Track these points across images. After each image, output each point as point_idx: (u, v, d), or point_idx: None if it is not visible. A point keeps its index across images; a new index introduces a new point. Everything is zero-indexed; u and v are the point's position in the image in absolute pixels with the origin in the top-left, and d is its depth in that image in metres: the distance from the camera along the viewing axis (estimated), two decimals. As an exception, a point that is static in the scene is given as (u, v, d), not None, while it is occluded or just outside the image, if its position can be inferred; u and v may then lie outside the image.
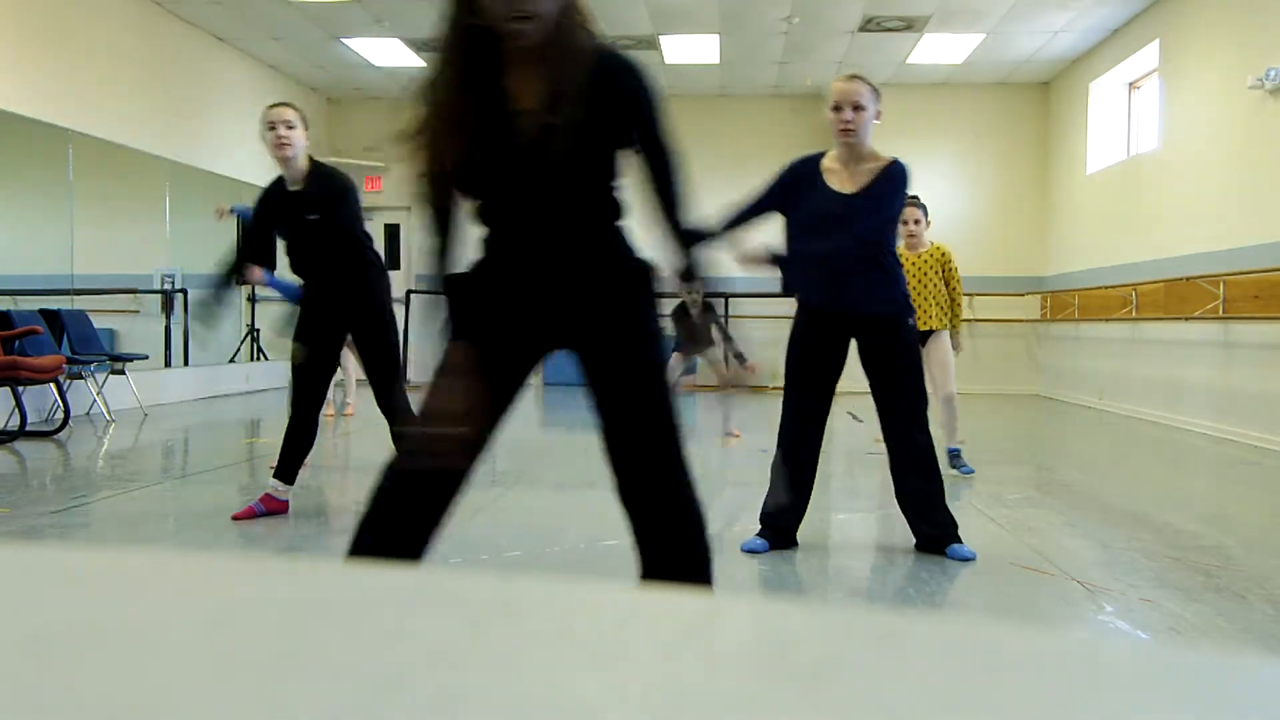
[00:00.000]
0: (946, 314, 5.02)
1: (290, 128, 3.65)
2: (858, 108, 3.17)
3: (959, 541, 3.33)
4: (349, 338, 3.99)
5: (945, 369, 4.95)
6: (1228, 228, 6.98)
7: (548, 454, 5.94)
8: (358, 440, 6.48)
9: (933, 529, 3.34)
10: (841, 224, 3.17)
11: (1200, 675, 0.33)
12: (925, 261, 4.94)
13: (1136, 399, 8.35)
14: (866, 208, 3.19)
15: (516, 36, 1.76)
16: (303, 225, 3.73)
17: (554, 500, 4.41)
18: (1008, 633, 0.35)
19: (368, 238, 3.94)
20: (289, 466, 3.84)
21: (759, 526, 3.42)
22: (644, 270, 1.94)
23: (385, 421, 3.92)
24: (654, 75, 1.92)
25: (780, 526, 3.38)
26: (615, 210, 1.93)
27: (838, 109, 3.19)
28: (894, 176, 3.21)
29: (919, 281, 4.92)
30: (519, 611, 0.36)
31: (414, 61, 10.14)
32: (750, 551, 3.33)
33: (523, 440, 6.56)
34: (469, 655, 0.32)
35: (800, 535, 3.43)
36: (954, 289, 5.00)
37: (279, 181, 3.75)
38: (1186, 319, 7.38)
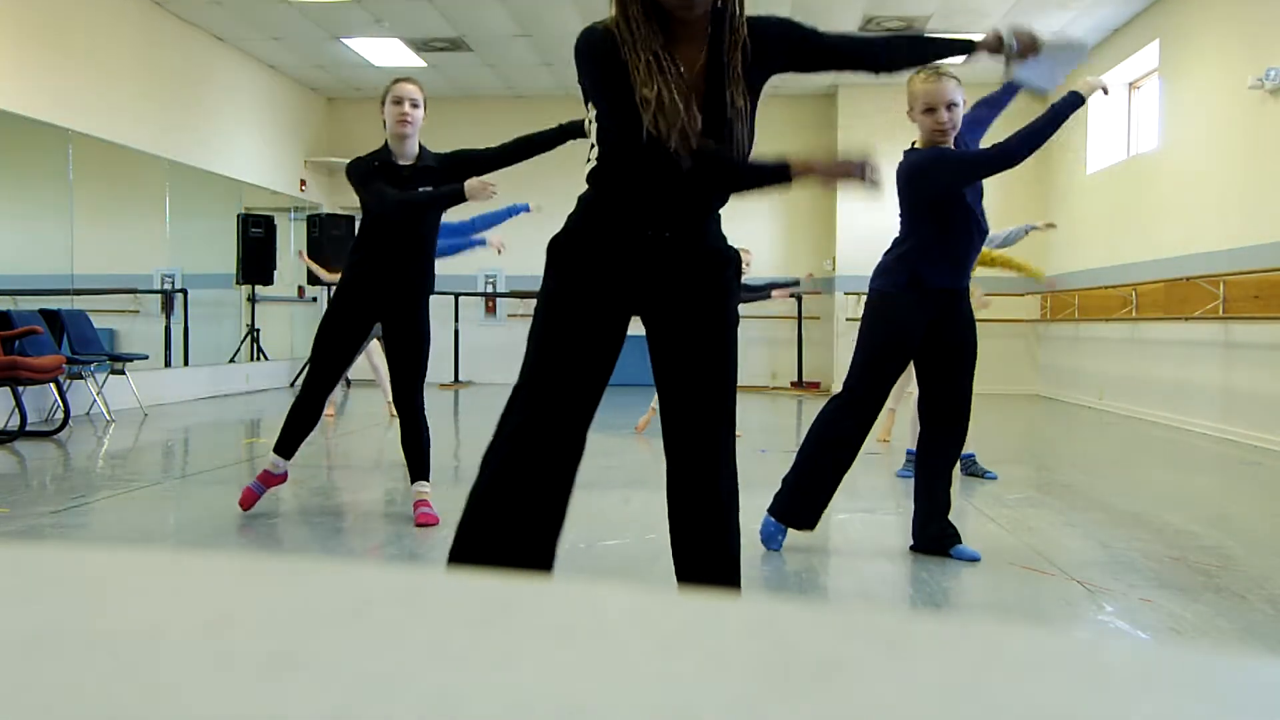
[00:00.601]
0: None
1: (415, 106, 3.65)
2: (952, 106, 3.22)
3: (960, 541, 3.33)
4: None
5: None
6: (1228, 228, 6.98)
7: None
8: (358, 440, 6.47)
9: (945, 528, 3.34)
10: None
11: (1200, 675, 0.33)
12: None
13: (1137, 399, 8.35)
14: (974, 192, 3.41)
15: (685, 8, 1.88)
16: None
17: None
18: (1008, 633, 0.35)
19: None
20: (290, 443, 3.81)
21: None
22: (733, 259, 2.10)
23: (385, 421, 3.92)
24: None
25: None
26: (726, 196, 2.10)
27: (932, 110, 3.20)
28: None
29: None
30: (519, 611, 0.36)
31: (414, 61, 10.14)
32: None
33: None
34: (469, 655, 0.32)
35: (801, 535, 3.43)
36: None
37: (385, 153, 3.71)
38: (1187, 319, 7.38)
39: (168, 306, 9.02)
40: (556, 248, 2.08)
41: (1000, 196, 10.97)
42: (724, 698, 0.30)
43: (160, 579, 0.40)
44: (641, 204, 2.02)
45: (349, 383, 9.67)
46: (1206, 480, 5.35)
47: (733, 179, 2.06)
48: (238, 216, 9.79)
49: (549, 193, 11.91)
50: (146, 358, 7.90)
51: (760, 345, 11.23)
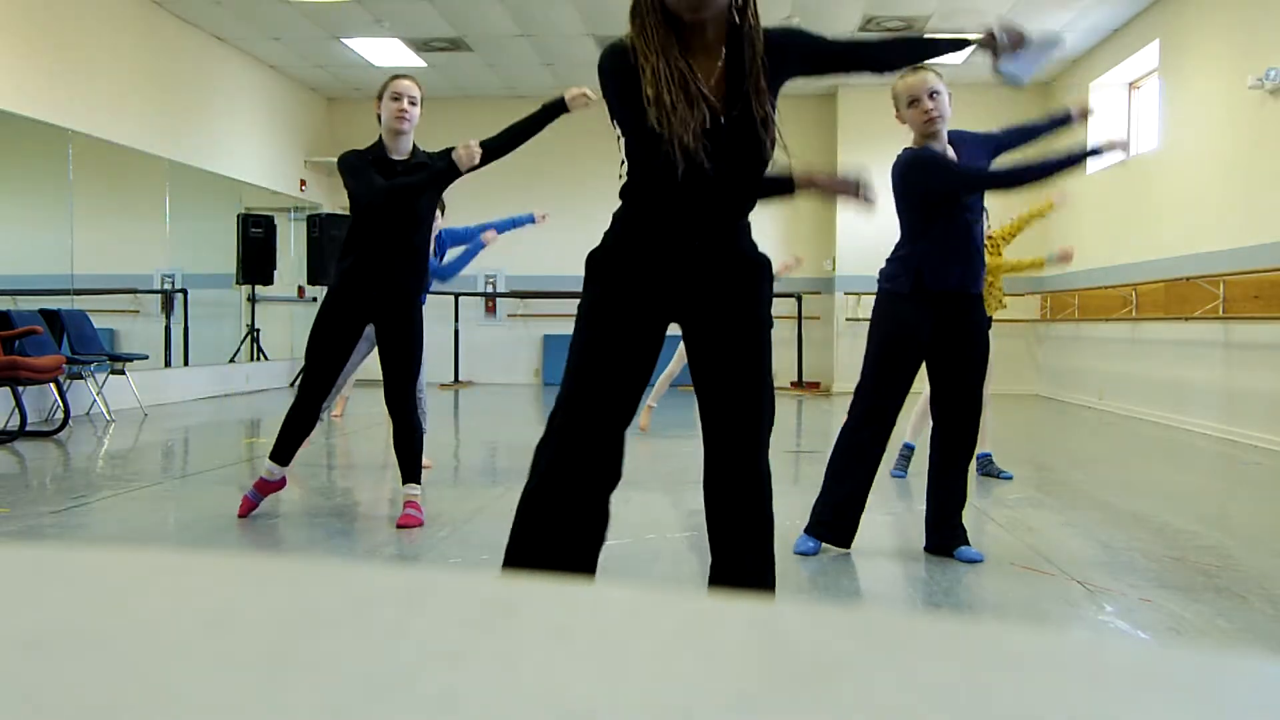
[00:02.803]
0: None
1: (413, 103, 3.67)
2: (934, 93, 3.25)
3: (968, 543, 3.34)
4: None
5: None
6: (1228, 228, 6.98)
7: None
8: (359, 440, 6.47)
9: (954, 529, 3.34)
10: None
11: (1200, 675, 0.33)
12: None
13: (1137, 399, 8.35)
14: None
15: (692, 10, 1.93)
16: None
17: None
18: (1008, 633, 0.35)
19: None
20: (286, 449, 3.79)
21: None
22: (764, 264, 2.16)
23: (386, 421, 3.91)
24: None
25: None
26: (753, 203, 2.14)
27: (916, 101, 3.24)
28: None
29: None
30: (519, 611, 0.36)
31: (414, 61, 10.14)
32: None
33: (523, 440, 6.55)
34: (469, 655, 0.32)
35: (799, 535, 3.43)
36: None
37: (379, 148, 3.70)
38: (1186, 319, 7.38)
39: (168, 306, 9.02)
40: (594, 262, 2.13)
41: (1002, 197, 10.98)
42: (724, 698, 0.30)
43: (160, 579, 0.40)
44: (670, 215, 2.07)
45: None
46: (1206, 480, 5.35)
47: (749, 187, 2.11)
48: (238, 216, 9.79)
49: (564, 205, 11.83)
50: (146, 358, 7.90)
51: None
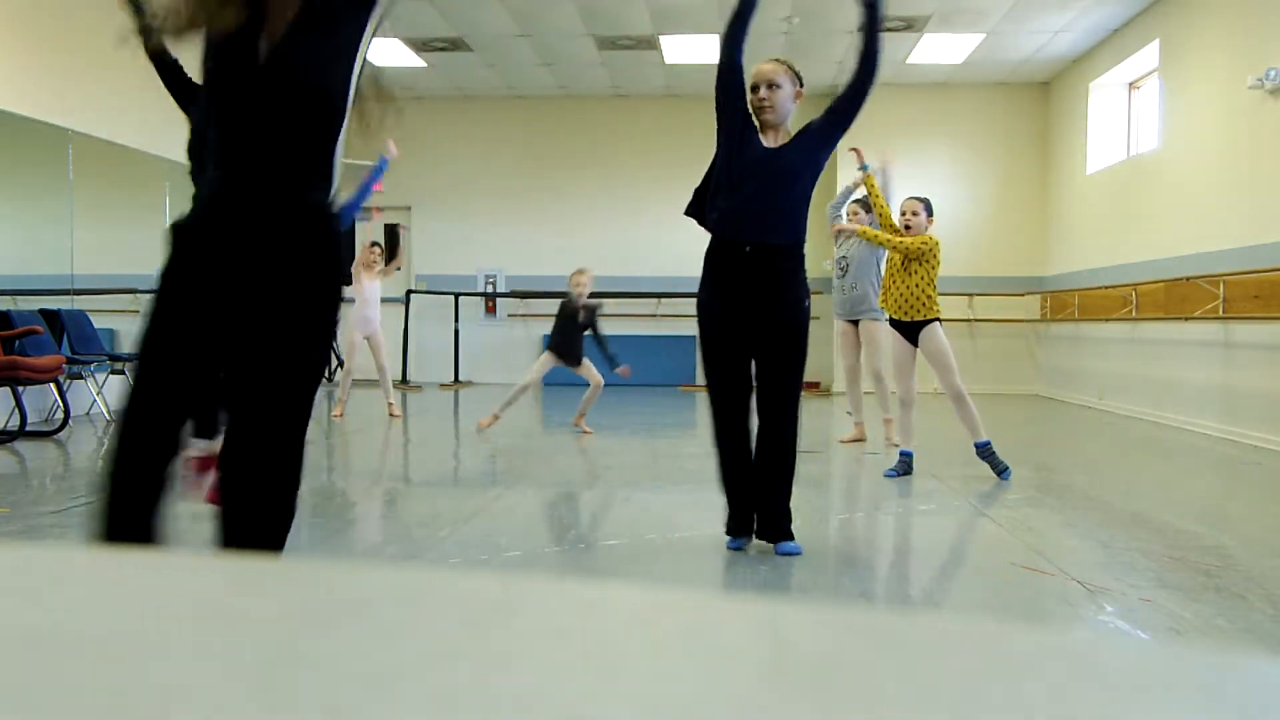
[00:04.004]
0: (937, 304, 4.84)
1: None
2: (772, 85, 3.30)
3: (791, 537, 3.31)
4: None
5: (940, 366, 4.79)
6: (1228, 228, 6.98)
7: (548, 454, 5.94)
8: (358, 440, 6.48)
9: (777, 517, 3.34)
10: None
11: (1200, 675, 0.33)
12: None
13: (1136, 399, 8.35)
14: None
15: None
16: None
17: (554, 500, 4.41)
18: (1008, 633, 0.35)
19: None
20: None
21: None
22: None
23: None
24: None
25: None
26: (315, 163, 1.93)
27: (754, 88, 3.32)
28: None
29: (907, 271, 4.80)
30: (519, 611, 0.36)
31: (414, 61, 10.14)
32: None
33: (523, 440, 6.55)
34: (468, 655, 0.32)
35: (800, 535, 3.43)
36: (921, 274, 4.82)
37: None
38: (1186, 319, 7.38)
39: (168, 306, 9.01)
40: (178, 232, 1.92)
41: (1002, 197, 10.99)
42: (724, 697, 0.30)
43: (160, 579, 0.40)
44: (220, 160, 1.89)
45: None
46: (1206, 480, 5.35)
47: None
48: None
49: (564, 206, 11.81)
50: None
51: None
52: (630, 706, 0.29)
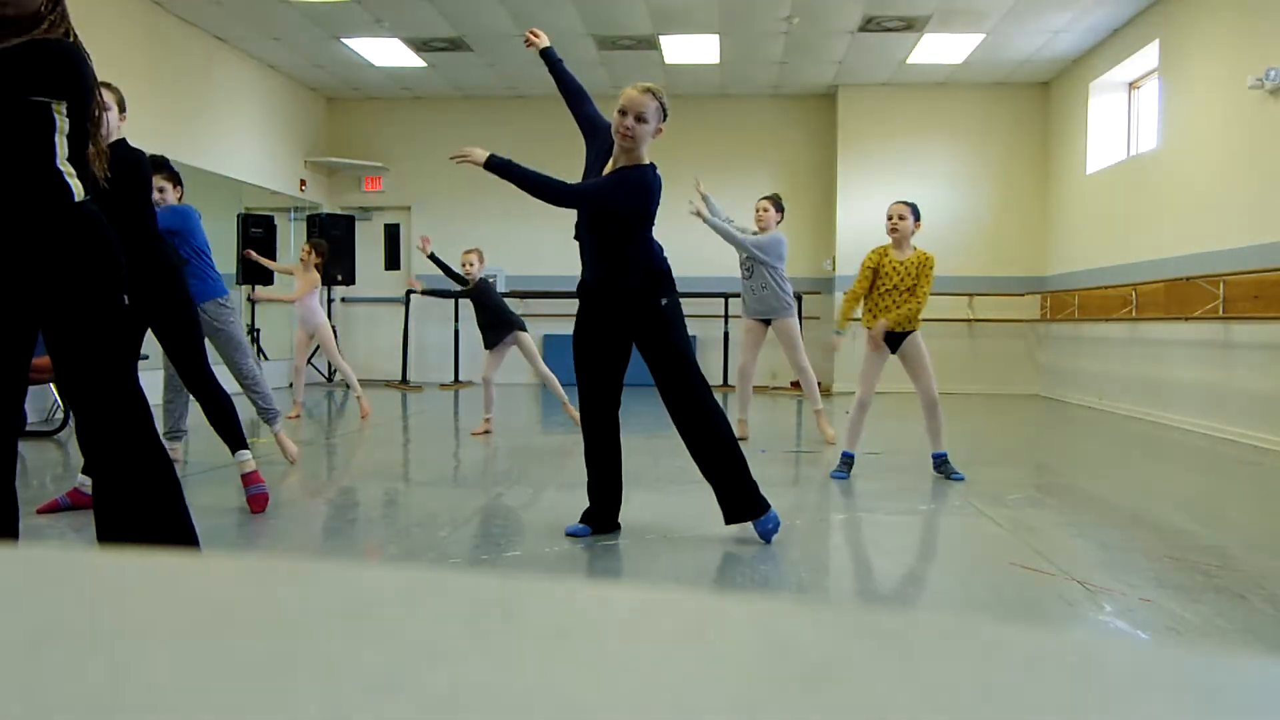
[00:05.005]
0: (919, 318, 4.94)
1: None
2: (640, 118, 3.34)
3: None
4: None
5: (924, 371, 4.85)
6: (1228, 228, 6.98)
7: (548, 454, 5.94)
8: (357, 440, 6.48)
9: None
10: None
11: (1200, 675, 0.33)
12: (909, 266, 4.87)
13: (1136, 399, 8.35)
14: None
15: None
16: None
17: (554, 500, 4.41)
18: (1008, 633, 0.35)
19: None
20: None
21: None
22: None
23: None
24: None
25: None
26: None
27: (622, 113, 3.37)
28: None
29: (902, 284, 4.85)
30: (519, 611, 0.36)
31: (414, 61, 10.14)
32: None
33: (523, 440, 6.56)
34: (469, 655, 0.32)
35: (801, 535, 3.43)
36: (922, 293, 4.87)
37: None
38: (1186, 319, 7.38)
39: (168, 306, 9.02)
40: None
41: (1002, 197, 10.99)
42: (724, 697, 0.30)
43: (160, 579, 0.40)
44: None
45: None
46: (1206, 480, 5.35)
47: None
48: (238, 216, 9.79)
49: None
50: (147, 358, 7.88)
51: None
52: (630, 706, 0.29)
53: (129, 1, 8.20)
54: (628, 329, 3.51)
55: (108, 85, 3.90)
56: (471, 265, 6.57)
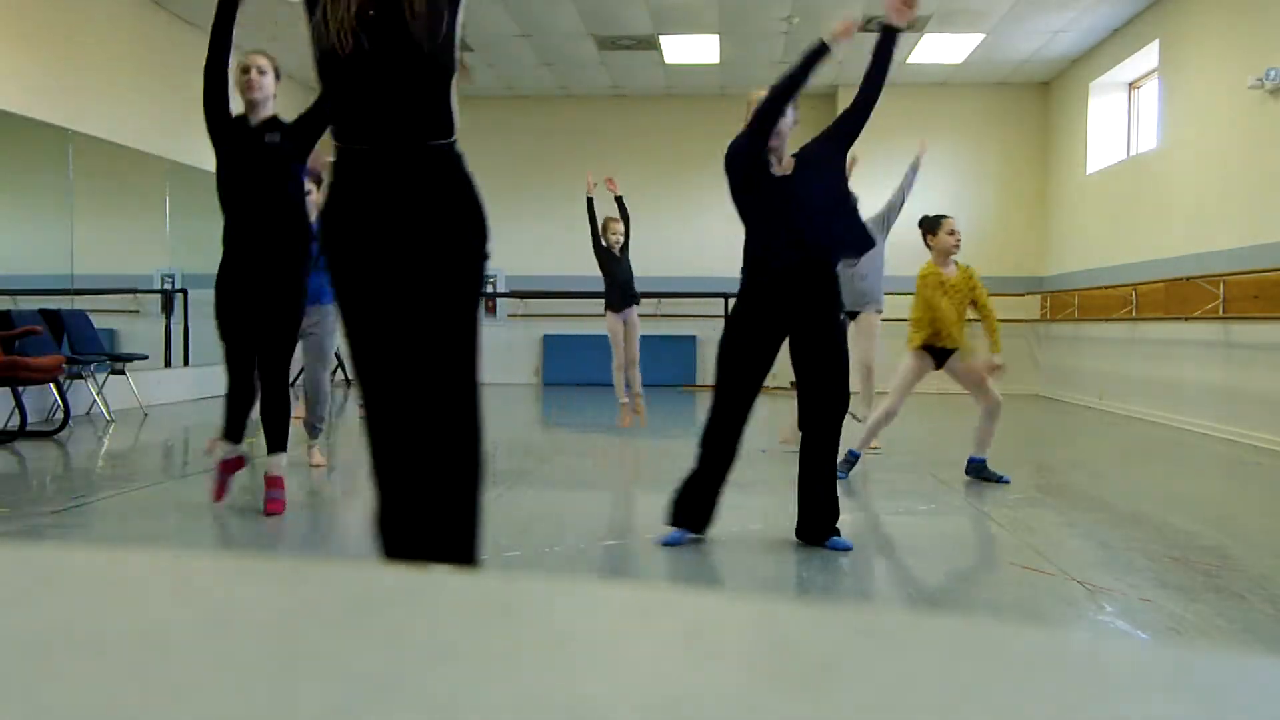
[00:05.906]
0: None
1: (262, 73, 3.86)
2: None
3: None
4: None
5: (983, 380, 4.89)
6: (1228, 228, 6.98)
7: (548, 454, 5.94)
8: (357, 440, 6.47)
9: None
10: None
11: (1200, 675, 0.33)
12: (960, 283, 4.95)
13: (1136, 399, 8.35)
14: None
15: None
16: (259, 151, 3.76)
17: (554, 500, 4.41)
18: (1008, 633, 0.35)
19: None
20: (234, 426, 3.96)
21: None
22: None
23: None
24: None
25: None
26: (425, 104, 2.06)
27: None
28: None
29: (962, 302, 4.94)
30: (519, 611, 0.36)
31: (414, 61, 10.13)
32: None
33: (523, 440, 6.55)
34: (469, 655, 0.32)
35: (796, 533, 3.43)
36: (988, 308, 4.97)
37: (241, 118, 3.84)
38: (1186, 319, 7.38)
39: (168, 306, 9.02)
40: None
41: (1002, 197, 10.99)
42: (724, 696, 0.30)
43: (160, 579, 0.40)
44: (342, 111, 2.09)
45: (349, 382, 9.68)
46: (1206, 480, 5.35)
47: None
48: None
49: (562, 207, 11.81)
50: (146, 358, 7.90)
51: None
52: (630, 706, 0.29)
53: (129, 1, 8.20)
54: (805, 313, 3.38)
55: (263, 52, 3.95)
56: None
